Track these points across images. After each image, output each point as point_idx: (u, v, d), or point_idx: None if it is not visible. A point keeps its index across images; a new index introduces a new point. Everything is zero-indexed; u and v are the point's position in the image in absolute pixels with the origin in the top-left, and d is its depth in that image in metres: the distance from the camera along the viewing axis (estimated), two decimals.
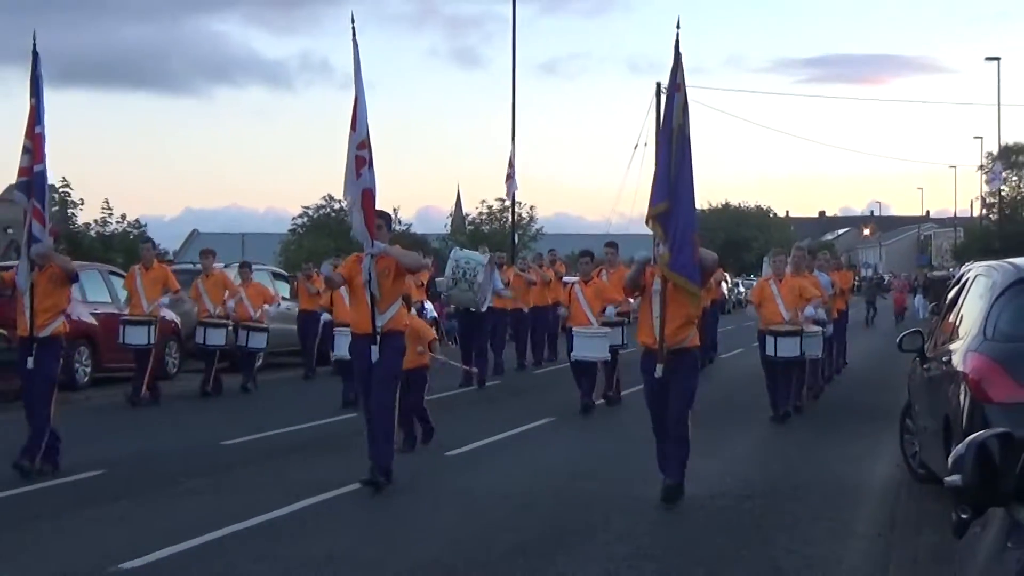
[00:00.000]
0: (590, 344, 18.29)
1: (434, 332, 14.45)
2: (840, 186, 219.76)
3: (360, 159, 11.89)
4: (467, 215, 74.71)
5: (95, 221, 48.03)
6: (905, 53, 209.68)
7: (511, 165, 41.14)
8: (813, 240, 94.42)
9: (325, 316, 20.14)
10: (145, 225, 59.84)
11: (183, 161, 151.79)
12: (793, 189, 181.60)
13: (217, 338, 21.50)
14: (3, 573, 8.98)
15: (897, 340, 13.04)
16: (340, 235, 62.80)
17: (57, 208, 49.34)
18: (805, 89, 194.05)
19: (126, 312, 20.26)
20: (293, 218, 70.91)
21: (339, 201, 74.14)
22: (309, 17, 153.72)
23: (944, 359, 11.09)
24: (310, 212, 70.36)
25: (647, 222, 11.40)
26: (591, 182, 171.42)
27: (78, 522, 10.69)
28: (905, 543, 9.59)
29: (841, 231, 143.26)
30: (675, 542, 9.95)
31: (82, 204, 47.21)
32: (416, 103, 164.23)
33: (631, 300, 18.46)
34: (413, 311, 18.90)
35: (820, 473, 13.17)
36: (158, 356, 20.46)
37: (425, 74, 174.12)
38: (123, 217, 49.28)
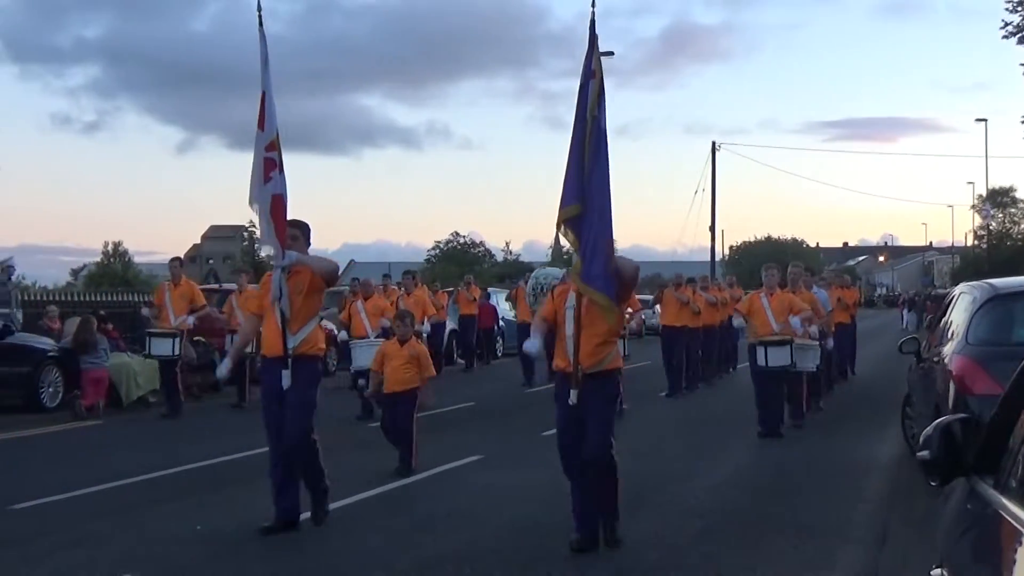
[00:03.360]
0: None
1: (433, 370, 11.64)
2: (859, 221, 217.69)
3: (269, 162, 8.47)
4: (563, 246, 74.62)
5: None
6: (911, 116, 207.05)
7: None
8: (838, 265, 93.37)
9: (343, 335, 17.82)
10: None
11: (341, 205, 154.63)
12: (821, 224, 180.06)
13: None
14: None
15: (898, 345, 13.16)
16: (465, 263, 63.40)
17: (247, 243, 50.24)
18: (831, 146, 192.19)
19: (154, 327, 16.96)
20: (428, 249, 71.68)
21: (464, 236, 75.01)
22: (434, 94, 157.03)
23: (935, 359, 11.10)
24: (441, 245, 71.01)
25: (558, 227, 8.01)
26: (658, 219, 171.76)
27: None
28: (904, 507, 9.39)
29: (861, 258, 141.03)
30: (717, 506, 9.84)
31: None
32: (518, 158, 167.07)
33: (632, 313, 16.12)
34: (424, 333, 17.30)
35: (832, 450, 12.95)
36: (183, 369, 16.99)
37: (524, 136, 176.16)
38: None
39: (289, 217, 8.52)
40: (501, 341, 29.08)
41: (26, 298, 23.62)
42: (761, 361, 14.09)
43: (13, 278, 20.68)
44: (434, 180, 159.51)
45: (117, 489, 10.22)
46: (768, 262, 16.19)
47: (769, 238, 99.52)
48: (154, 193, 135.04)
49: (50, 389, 16.35)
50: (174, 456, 12.10)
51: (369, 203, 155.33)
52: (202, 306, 17.26)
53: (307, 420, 8.48)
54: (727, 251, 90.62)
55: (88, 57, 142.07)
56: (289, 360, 8.37)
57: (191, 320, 16.80)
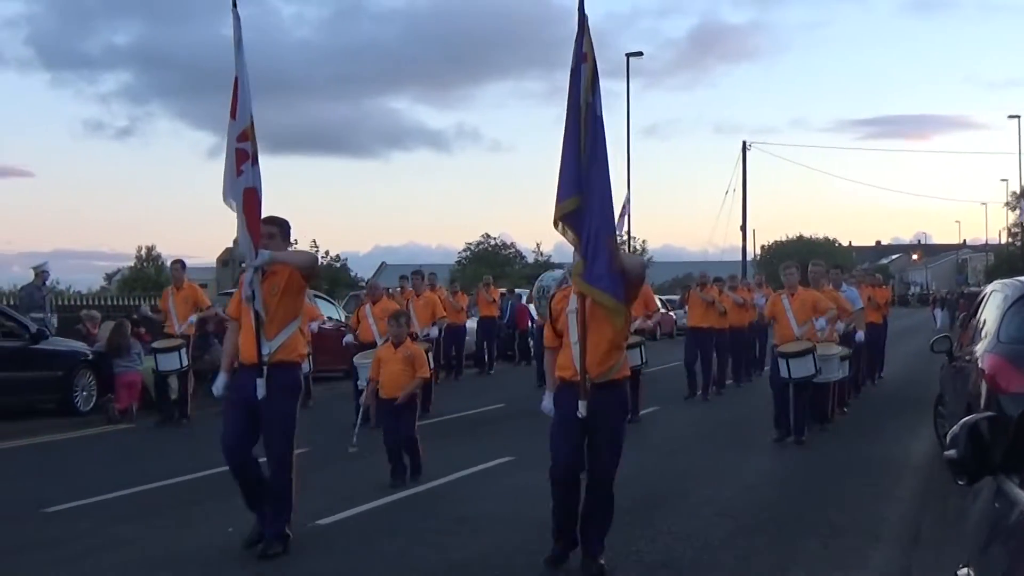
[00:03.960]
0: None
1: (427, 371, 11.33)
2: (892, 220, 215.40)
3: (241, 153, 7.82)
4: None
5: None
6: (943, 112, 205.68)
7: (625, 206, 40.97)
8: (871, 264, 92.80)
9: (348, 338, 16.84)
10: (345, 259, 60.78)
11: (372, 208, 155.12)
12: (853, 223, 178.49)
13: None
14: None
15: (930, 343, 12.99)
16: (496, 265, 63.37)
17: None
18: (862, 144, 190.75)
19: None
20: (459, 251, 71.69)
21: (495, 237, 74.95)
22: (462, 96, 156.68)
23: (967, 358, 11.01)
24: (472, 247, 71.04)
25: (555, 225, 7.16)
26: (688, 219, 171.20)
27: None
28: (937, 507, 9.32)
29: (894, 256, 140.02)
30: (750, 503, 9.81)
31: (296, 243, 48.42)
32: (548, 160, 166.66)
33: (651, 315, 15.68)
34: (428, 335, 16.54)
35: (864, 449, 12.88)
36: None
37: (554, 137, 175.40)
38: (327, 253, 50.31)
39: (275, 214, 8.09)
40: (532, 343, 29.02)
41: (60, 303, 23.81)
42: (784, 373, 13.12)
43: (47, 283, 20.80)
44: (464, 182, 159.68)
45: (149, 492, 10.28)
46: (789, 261, 15.32)
47: (801, 237, 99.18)
48: (186, 197, 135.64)
49: (84, 393, 16.43)
50: (205, 459, 12.09)
51: (399, 205, 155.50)
52: (207, 307, 16.56)
53: (289, 436, 7.85)
54: (759, 251, 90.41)
55: (119, 63, 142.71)
56: (264, 368, 7.70)
57: (193, 319, 16.14)
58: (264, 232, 7.85)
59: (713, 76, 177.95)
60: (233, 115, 7.82)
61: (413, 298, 18.37)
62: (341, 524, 8.85)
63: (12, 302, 20.78)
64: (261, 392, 7.66)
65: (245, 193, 7.77)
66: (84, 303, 24.93)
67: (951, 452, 3.78)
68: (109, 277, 61.07)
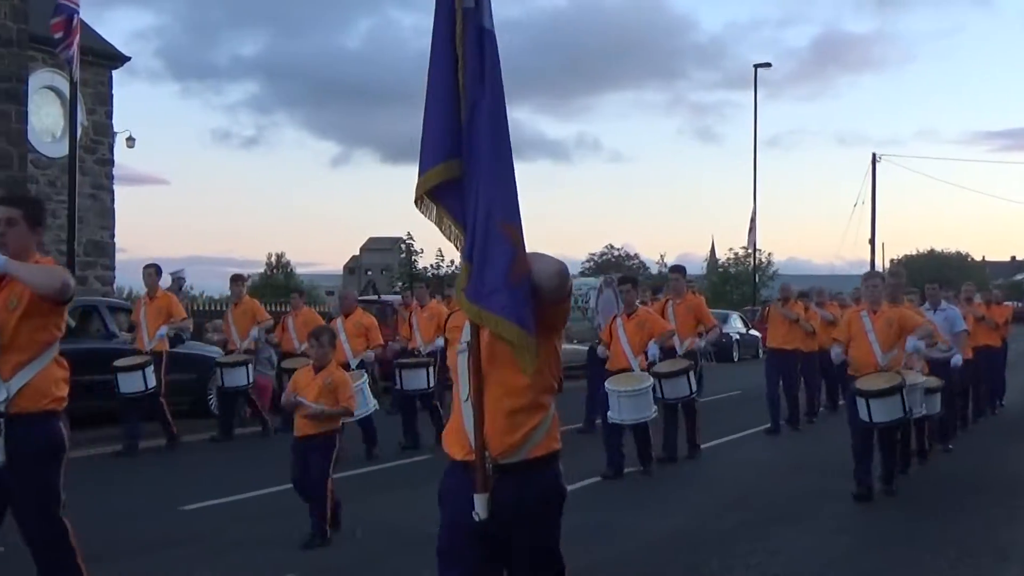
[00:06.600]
0: (631, 405, 11.53)
1: (352, 403, 8.73)
2: None
3: None
4: (718, 259, 73.80)
5: (431, 265, 49.46)
6: None
7: (752, 219, 40.65)
8: (1005, 280, 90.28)
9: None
10: None
11: None
12: (987, 237, 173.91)
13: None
14: None
15: None
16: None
17: (404, 255, 51.28)
18: (997, 156, 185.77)
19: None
20: (583, 262, 71.62)
21: (619, 248, 74.80)
22: (581, 107, 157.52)
23: None
24: (595, 258, 70.99)
25: (417, 203, 4.23)
26: (813, 232, 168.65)
27: None
28: None
29: None
30: (875, 524, 9.69)
31: (422, 252, 49.25)
32: (669, 171, 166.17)
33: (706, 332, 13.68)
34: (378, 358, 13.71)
35: (989, 468, 12.67)
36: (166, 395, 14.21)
37: (675, 148, 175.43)
38: (452, 262, 50.64)
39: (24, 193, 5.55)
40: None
41: (194, 308, 24.49)
42: (864, 415, 10.33)
43: (183, 288, 21.40)
44: (585, 193, 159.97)
45: (278, 493, 10.48)
46: (926, 274, 13.35)
47: (932, 251, 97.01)
48: (312, 205, 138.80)
49: (216, 396, 16.88)
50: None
51: (521, 215, 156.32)
52: (182, 319, 14.66)
53: (49, 515, 5.31)
54: (888, 264, 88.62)
55: (245, 74, 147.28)
56: (2, 421, 5.22)
57: (164, 331, 14.18)
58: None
59: (836, 86, 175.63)
60: None
61: (417, 310, 15.77)
62: None
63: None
64: (0, 457, 5.22)
65: None
66: (216, 308, 25.60)
67: None
68: None
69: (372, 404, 12.54)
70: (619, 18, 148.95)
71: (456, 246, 4.23)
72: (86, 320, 16.10)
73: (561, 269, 4.08)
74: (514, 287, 4.00)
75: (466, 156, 4.14)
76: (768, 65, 45.42)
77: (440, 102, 4.18)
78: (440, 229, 4.25)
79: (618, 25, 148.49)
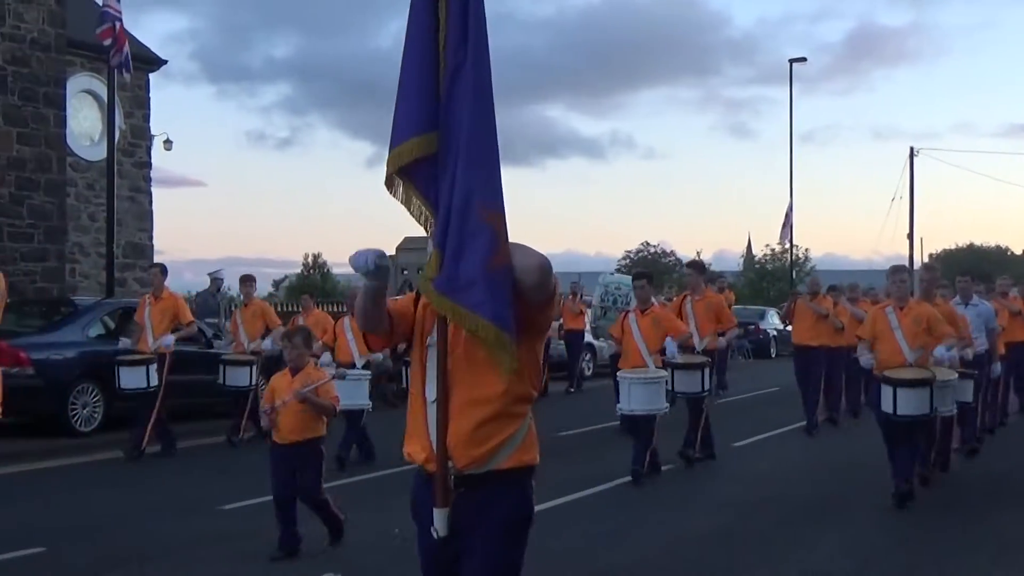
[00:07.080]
0: (642, 394, 11.15)
1: (335, 396, 8.33)
2: None
3: None
4: (755, 255, 73.51)
5: None
6: None
7: (788, 215, 40.36)
8: None
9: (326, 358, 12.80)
10: None
11: (529, 215, 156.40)
12: None
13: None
14: None
15: None
16: (657, 273, 63.15)
17: None
18: None
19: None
20: (618, 259, 71.39)
21: (655, 246, 74.61)
22: (615, 104, 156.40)
23: None
24: (631, 255, 70.83)
25: (388, 186, 3.78)
26: (850, 226, 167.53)
27: None
28: None
29: None
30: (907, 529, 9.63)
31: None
32: (704, 167, 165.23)
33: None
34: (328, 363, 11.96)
35: None
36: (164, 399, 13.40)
37: (709, 144, 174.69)
38: None
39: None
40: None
41: (231, 308, 24.62)
42: (887, 405, 9.79)
43: (221, 289, 21.54)
44: (620, 190, 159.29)
45: None
46: (900, 265, 11.40)
47: (971, 245, 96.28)
48: (348, 206, 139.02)
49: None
50: (368, 460, 12.47)
51: (556, 213, 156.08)
52: (188, 323, 14.02)
53: None
54: (926, 258, 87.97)
55: (278, 76, 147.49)
56: None
57: (171, 341, 13.55)
58: None
59: (871, 80, 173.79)
60: None
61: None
62: None
63: (190, 308, 21.48)
64: None
65: None
66: None
67: None
68: (277, 284, 62.70)
69: (366, 403, 12.39)
70: (651, 15, 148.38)
71: (426, 229, 3.79)
72: (125, 321, 16.21)
73: (543, 263, 3.61)
74: (493, 282, 3.57)
75: (443, 129, 3.68)
76: (803, 60, 45.07)
77: (416, 67, 3.72)
78: (409, 210, 3.79)
79: (650, 22, 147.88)
